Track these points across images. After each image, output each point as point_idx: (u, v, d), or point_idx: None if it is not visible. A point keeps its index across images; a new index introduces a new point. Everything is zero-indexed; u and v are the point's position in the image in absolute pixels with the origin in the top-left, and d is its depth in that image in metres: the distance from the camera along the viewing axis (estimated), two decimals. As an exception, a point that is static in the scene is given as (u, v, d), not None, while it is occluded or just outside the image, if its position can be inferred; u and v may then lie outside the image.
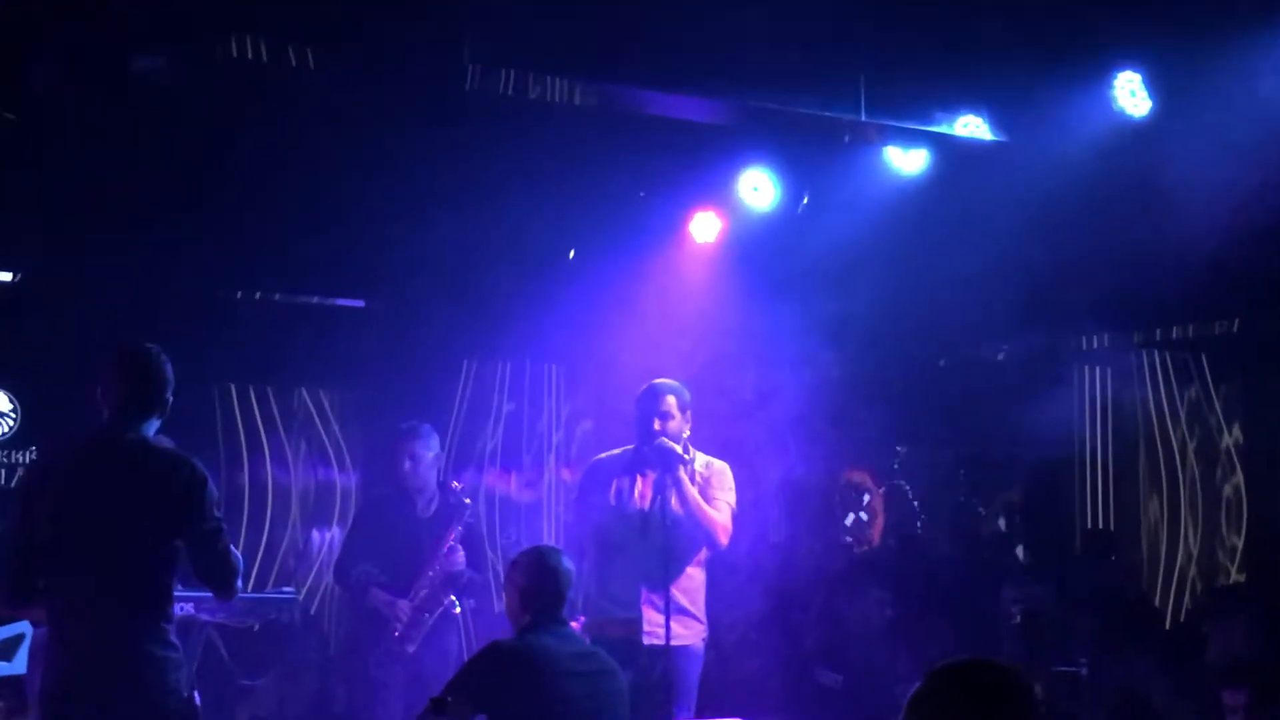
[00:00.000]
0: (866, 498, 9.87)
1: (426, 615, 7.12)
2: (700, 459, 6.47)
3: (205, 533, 4.84)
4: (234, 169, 7.55)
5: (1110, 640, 8.04)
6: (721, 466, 6.50)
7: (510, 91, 7.30)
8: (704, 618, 6.46)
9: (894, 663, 8.09)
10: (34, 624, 6.12)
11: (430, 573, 7.13)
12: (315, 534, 9.30)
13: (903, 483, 9.88)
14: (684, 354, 8.24)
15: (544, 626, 5.17)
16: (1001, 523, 10.03)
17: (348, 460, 9.43)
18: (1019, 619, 8.52)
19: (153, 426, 4.90)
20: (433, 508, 7.37)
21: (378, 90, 7.28)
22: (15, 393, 8.56)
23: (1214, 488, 10.10)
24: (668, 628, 6.13)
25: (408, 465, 7.32)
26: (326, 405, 9.44)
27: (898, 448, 10.13)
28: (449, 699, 4.76)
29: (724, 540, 6.40)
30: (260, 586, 8.70)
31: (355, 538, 7.46)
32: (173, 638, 4.84)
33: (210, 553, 4.86)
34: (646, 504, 6.33)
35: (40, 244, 7.93)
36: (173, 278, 8.42)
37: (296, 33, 6.87)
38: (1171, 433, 10.19)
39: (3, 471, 8.49)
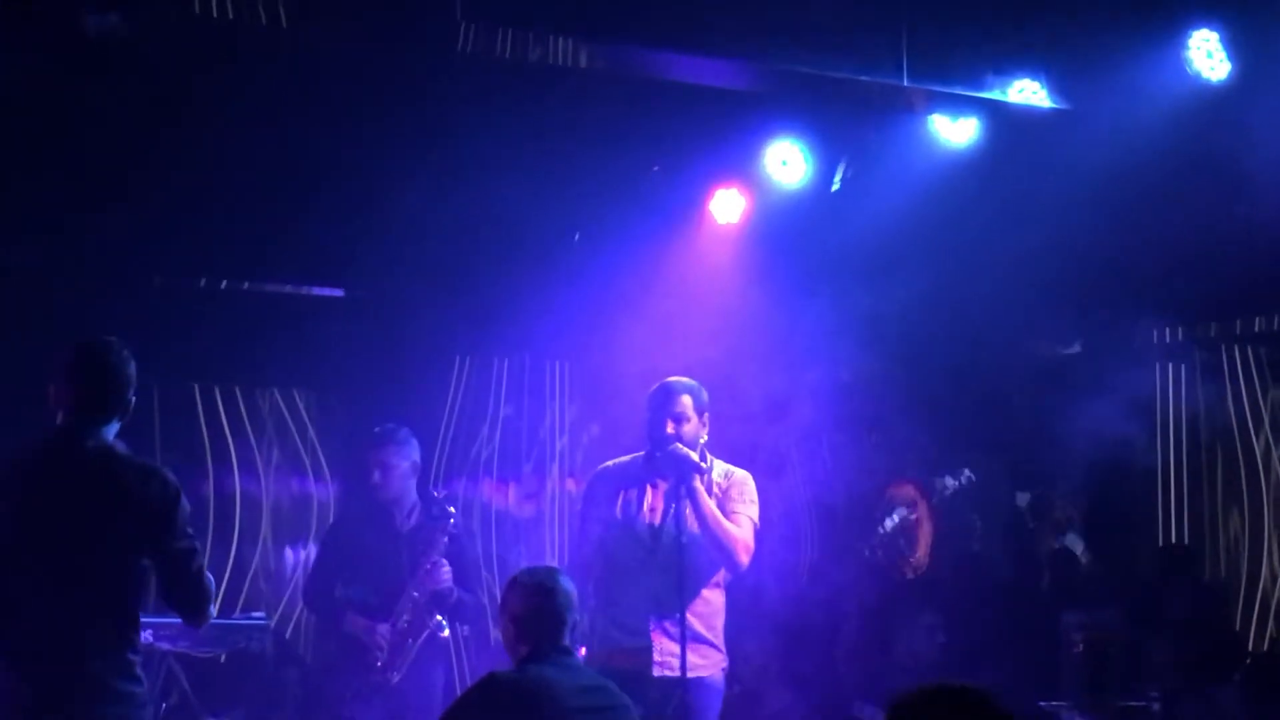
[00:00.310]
0: (911, 514, 9.65)
1: (410, 641, 6.89)
2: (719, 467, 6.27)
3: (177, 552, 4.76)
4: (196, 140, 7.45)
5: (1189, 672, 7.85)
6: (743, 476, 6.29)
7: (508, 53, 7.08)
8: (723, 646, 6.25)
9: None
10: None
11: (414, 593, 6.89)
12: (288, 552, 9.12)
13: (955, 492, 9.78)
14: (702, 350, 8.05)
15: (546, 656, 4.92)
16: (1068, 540, 9.87)
17: (324, 469, 9.23)
18: (1081, 647, 8.27)
19: (113, 430, 4.82)
20: (413, 520, 7.12)
21: (358, 52, 7.17)
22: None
23: (1303, 499, 10.10)
24: (683, 657, 5.93)
25: (377, 476, 7.09)
26: (301, 407, 9.25)
27: (945, 458, 10.01)
28: (438, 740, 4.66)
29: (745, 559, 6.17)
30: (227, 611, 8.47)
31: (327, 555, 7.27)
32: (139, 671, 4.76)
33: (183, 574, 4.79)
34: (658, 518, 6.17)
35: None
36: (125, 264, 8.23)
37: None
38: (1254, 437, 9.92)
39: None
